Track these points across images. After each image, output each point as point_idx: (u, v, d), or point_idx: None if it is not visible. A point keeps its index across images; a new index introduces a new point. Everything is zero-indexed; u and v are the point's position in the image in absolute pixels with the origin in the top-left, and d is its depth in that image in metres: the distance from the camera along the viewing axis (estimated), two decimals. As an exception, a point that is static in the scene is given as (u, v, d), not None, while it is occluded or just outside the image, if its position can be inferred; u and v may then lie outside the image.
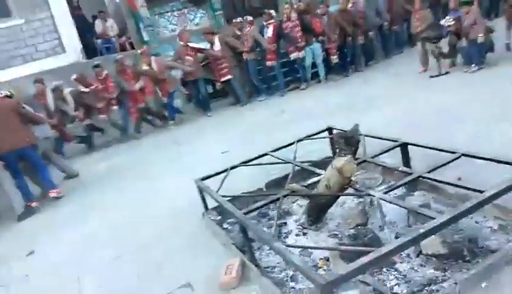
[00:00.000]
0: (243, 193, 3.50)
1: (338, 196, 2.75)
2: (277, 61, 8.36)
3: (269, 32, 8.12)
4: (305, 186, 2.91)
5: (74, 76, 7.40)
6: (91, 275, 3.16)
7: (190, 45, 8.06)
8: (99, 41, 10.15)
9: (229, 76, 8.28)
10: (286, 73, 8.85)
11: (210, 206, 3.48)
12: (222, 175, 3.50)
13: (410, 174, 2.80)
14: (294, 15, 8.08)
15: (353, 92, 7.31)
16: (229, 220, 3.41)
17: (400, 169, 3.03)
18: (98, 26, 10.19)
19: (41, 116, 5.90)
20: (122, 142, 7.71)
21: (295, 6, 8.51)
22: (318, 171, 3.08)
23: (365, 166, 3.38)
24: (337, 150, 2.77)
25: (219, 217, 3.47)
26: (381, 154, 3.20)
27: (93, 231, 3.99)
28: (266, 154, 3.68)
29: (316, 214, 2.83)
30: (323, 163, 3.43)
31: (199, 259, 2.94)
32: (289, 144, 3.87)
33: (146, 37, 9.06)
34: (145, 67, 7.68)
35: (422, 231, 1.96)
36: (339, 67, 8.75)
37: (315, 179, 2.94)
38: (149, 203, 4.31)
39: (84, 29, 10.19)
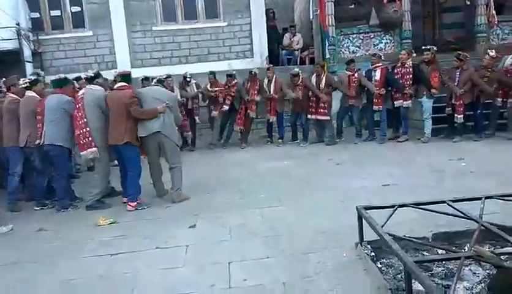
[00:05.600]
0: (410, 237, 3.18)
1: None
2: (383, 106, 7.84)
3: (377, 75, 7.70)
4: (496, 254, 2.45)
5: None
6: (239, 263, 3.33)
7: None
8: (284, 52, 10.88)
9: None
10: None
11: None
12: (385, 211, 3.26)
13: None
14: (409, 63, 7.62)
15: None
16: (383, 260, 3.16)
17: None
18: (287, 38, 10.96)
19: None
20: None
21: (413, 55, 7.95)
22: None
23: None
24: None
25: (372, 253, 3.25)
26: None
27: (245, 224, 4.21)
28: (443, 202, 3.28)
29: None
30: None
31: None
32: (472, 198, 3.39)
33: (327, 55, 9.29)
34: (265, 82, 8.15)
35: None
36: (465, 128, 7.71)
37: (510, 249, 2.46)
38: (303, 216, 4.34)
39: (273, 39, 11.02)
